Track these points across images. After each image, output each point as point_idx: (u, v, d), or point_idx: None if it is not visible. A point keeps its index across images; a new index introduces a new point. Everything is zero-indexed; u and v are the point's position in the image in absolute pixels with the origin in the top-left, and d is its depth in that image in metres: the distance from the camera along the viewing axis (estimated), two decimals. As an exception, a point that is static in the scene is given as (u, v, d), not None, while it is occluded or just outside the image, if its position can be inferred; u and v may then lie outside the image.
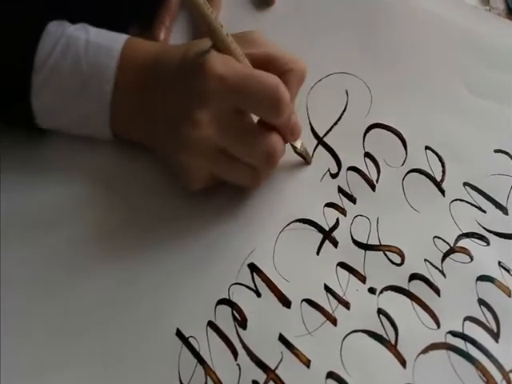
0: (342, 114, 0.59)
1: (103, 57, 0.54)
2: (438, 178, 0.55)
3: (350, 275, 0.51)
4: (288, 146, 0.55)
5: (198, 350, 0.49)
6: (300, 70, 0.54)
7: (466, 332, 0.48)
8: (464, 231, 0.53)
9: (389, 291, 0.50)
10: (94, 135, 0.57)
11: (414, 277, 0.51)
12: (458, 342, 0.48)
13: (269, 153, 0.51)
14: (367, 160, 0.57)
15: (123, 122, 0.56)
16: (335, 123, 0.59)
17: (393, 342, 0.48)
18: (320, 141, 0.58)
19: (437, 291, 0.50)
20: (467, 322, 0.49)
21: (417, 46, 0.63)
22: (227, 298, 0.51)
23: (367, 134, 0.58)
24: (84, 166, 0.58)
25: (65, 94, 0.55)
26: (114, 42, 0.55)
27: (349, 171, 0.57)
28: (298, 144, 0.56)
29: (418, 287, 0.50)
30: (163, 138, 0.54)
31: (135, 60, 0.55)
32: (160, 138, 0.55)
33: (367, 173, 0.56)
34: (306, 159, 0.57)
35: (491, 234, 0.52)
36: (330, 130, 0.59)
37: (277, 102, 0.50)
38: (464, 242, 0.52)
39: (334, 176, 0.56)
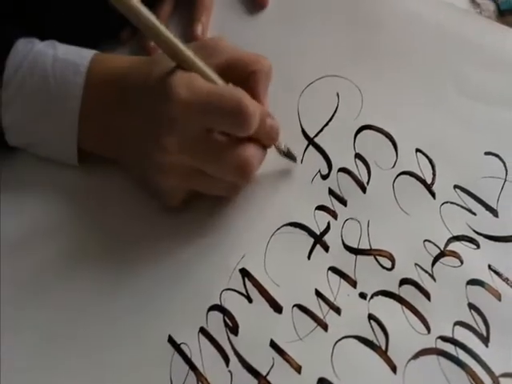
0: (332, 115, 0.60)
1: (70, 73, 0.54)
2: (429, 181, 0.55)
3: (341, 280, 0.52)
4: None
5: (189, 356, 0.50)
6: (263, 69, 0.54)
7: (456, 337, 0.49)
8: (454, 234, 0.53)
9: (379, 296, 0.51)
10: (61, 156, 0.57)
11: (404, 281, 0.51)
12: (448, 347, 0.48)
13: (241, 167, 0.51)
14: (358, 161, 0.57)
15: (92, 140, 0.56)
16: (326, 124, 0.59)
17: (383, 347, 0.49)
18: (311, 141, 0.58)
19: (427, 296, 0.50)
20: (457, 327, 0.49)
21: (407, 48, 0.63)
22: (219, 304, 0.51)
23: (358, 136, 0.58)
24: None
25: (33, 110, 0.55)
26: (81, 58, 0.55)
27: (339, 173, 0.57)
28: (280, 145, 0.56)
29: (408, 292, 0.51)
30: (134, 159, 0.54)
31: (102, 76, 0.55)
32: (131, 159, 0.55)
33: (358, 174, 0.56)
34: (291, 158, 0.57)
35: (481, 237, 0.53)
36: (320, 130, 0.59)
37: (242, 117, 0.49)
38: (454, 246, 0.52)
39: (324, 177, 0.57)
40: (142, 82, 0.52)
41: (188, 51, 0.50)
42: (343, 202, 0.55)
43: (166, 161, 0.50)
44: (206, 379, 0.49)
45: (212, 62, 0.52)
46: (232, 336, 0.50)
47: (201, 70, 0.51)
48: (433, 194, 0.55)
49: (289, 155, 0.57)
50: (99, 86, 0.55)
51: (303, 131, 0.59)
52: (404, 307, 0.50)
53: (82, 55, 0.56)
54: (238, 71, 0.53)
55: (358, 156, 0.57)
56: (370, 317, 0.50)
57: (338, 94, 0.60)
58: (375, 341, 0.49)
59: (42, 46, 0.56)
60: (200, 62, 0.51)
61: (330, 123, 0.59)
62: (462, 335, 0.49)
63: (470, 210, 0.54)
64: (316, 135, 0.59)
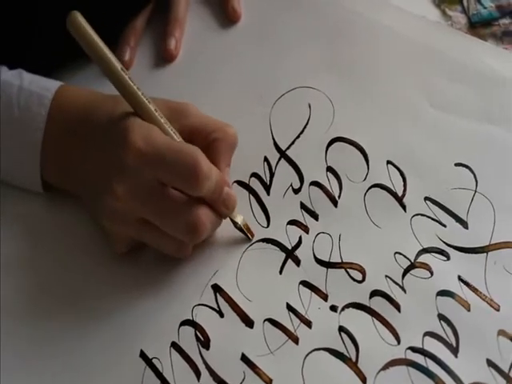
0: (304, 128, 0.62)
1: (34, 104, 0.57)
2: (400, 193, 0.58)
3: (312, 293, 0.54)
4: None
5: (161, 370, 0.52)
6: (228, 138, 0.56)
7: (425, 347, 0.51)
8: (424, 246, 0.56)
9: (350, 308, 0.53)
10: (25, 185, 0.59)
11: (374, 293, 0.54)
12: (418, 358, 0.51)
13: (193, 224, 0.52)
14: (329, 175, 0.60)
15: (54, 173, 0.58)
16: (297, 136, 0.62)
17: (354, 359, 0.51)
18: (282, 154, 0.61)
19: (397, 307, 0.53)
20: (427, 338, 0.52)
21: (379, 61, 0.66)
22: (190, 319, 0.54)
23: (329, 148, 0.61)
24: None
25: None
26: (46, 89, 0.58)
27: (311, 186, 0.60)
28: (238, 219, 0.57)
29: (378, 304, 0.53)
30: (89, 199, 0.57)
31: (66, 110, 0.58)
32: (87, 198, 0.57)
33: (329, 188, 0.59)
34: (246, 235, 0.58)
35: (451, 249, 0.55)
36: (292, 143, 0.62)
37: (194, 176, 0.51)
38: (424, 257, 0.55)
39: (296, 191, 0.60)
40: (104, 121, 0.55)
41: (151, 105, 0.53)
42: (315, 215, 0.58)
43: (115, 207, 0.52)
44: (177, 394, 0.51)
45: (177, 124, 0.55)
46: (203, 350, 0.53)
47: (160, 124, 0.53)
48: (404, 207, 0.58)
49: (245, 232, 0.57)
50: (63, 119, 0.57)
51: (275, 144, 0.62)
52: (374, 319, 0.53)
53: (48, 86, 0.58)
54: (201, 137, 0.56)
55: (329, 169, 0.60)
56: (341, 329, 0.52)
57: (309, 106, 0.63)
58: (346, 353, 0.51)
59: (9, 75, 0.58)
60: (161, 118, 0.53)
61: (301, 135, 0.62)
62: (432, 346, 0.51)
63: (440, 222, 0.57)
64: (288, 148, 0.62)
